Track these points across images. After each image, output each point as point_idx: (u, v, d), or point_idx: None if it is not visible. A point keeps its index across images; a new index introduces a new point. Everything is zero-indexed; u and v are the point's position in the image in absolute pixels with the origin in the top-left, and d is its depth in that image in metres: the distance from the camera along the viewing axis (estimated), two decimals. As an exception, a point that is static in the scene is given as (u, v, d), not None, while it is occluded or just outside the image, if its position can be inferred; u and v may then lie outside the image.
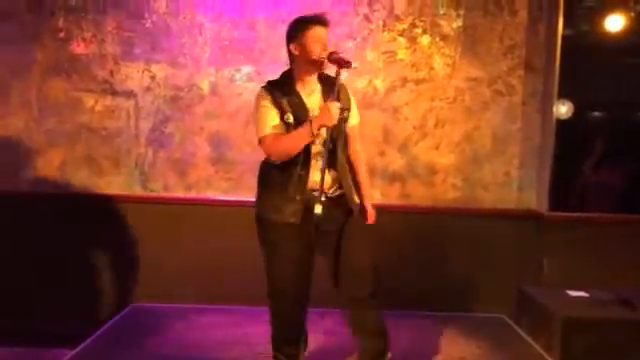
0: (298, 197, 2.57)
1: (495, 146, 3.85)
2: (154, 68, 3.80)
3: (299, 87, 2.65)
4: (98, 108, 3.81)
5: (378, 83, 3.81)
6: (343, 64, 2.49)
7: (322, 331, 3.32)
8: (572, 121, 3.75)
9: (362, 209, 2.81)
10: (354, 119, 2.79)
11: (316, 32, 2.56)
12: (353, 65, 2.50)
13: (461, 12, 3.81)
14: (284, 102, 2.58)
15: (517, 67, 3.83)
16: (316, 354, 2.96)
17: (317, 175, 2.54)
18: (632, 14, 3.95)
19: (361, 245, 2.68)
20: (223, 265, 3.74)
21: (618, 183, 3.90)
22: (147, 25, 3.78)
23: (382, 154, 3.83)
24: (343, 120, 2.64)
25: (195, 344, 3.20)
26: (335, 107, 2.46)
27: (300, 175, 2.57)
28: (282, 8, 3.77)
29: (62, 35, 3.78)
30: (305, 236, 2.57)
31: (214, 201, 3.82)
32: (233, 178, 3.84)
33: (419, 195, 3.84)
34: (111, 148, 3.83)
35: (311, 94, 2.65)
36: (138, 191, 3.83)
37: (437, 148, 3.86)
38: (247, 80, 3.81)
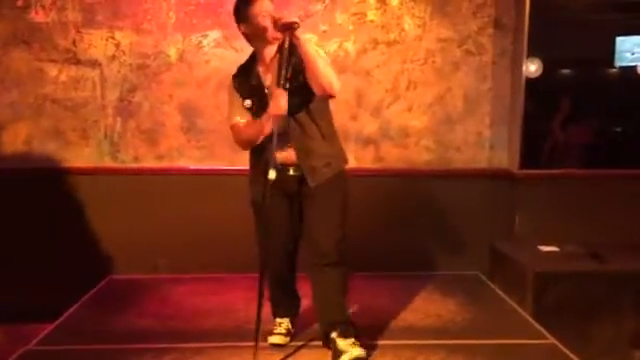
0: (261, 178, 2.51)
1: (466, 106, 3.86)
2: (118, 35, 3.70)
3: (260, 66, 2.57)
4: (62, 78, 3.70)
5: (349, 46, 3.77)
6: (289, 27, 2.37)
7: (303, 295, 3.34)
8: (541, 79, 3.80)
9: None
10: None
11: (262, 6, 2.47)
12: (296, 22, 2.35)
13: (430, -28, 3.77)
14: (245, 87, 2.57)
15: (487, 26, 3.83)
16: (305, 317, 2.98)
17: (282, 151, 2.52)
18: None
19: (322, 215, 2.59)
20: (198, 234, 3.71)
21: (586, 139, 3.98)
22: (109, -9, 3.67)
23: (355, 118, 3.82)
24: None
25: (174, 314, 3.19)
26: (283, 96, 2.41)
27: (265, 156, 2.53)
28: (249, -30, 3.68)
29: (20, 3, 3.63)
30: (284, 205, 2.62)
31: (187, 170, 3.78)
32: (206, 146, 3.79)
33: (393, 158, 3.85)
34: (78, 119, 3.74)
35: (270, 70, 2.56)
36: (108, 162, 3.76)
37: (410, 110, 3.86)
38: (215, 46, 3.74)
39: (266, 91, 2.55)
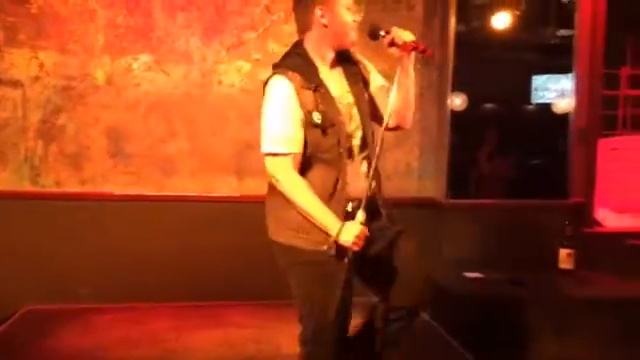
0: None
1: (397, 137, 3.95)
2: (42, 55, 3.57)
3: (321, 71, 2.03)
4: (-20, 98, 3.52)
5: (282, 74, 3.79)
6: (418, 50, 1.98)
7: (231, 324, 3.29)
8: (466, 113, 3.97)
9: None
10: (379, 80, 2.21)
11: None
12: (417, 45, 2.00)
13: (362, 7, 3.83)
14: (309, 95, 1.96)
15: (415, 61, 3.95)
16: (225, 347, 2.91)
17: (360, 181, 2.05)
18: (517, 12, 4.22)
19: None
20: (123, 262, 3.57)
21: (507, 171, 4.17)
22: (32, 10, 3.53)
23: (287, 145, 3.82)
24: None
25: (95, 345, 3.03)
26: (359, 229, 1.94)
27: (338, 184, 2.00)
28: (180, -5, 3.67)
29: (-64, 19, 3.46)
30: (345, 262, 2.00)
31: (112, 196, 3.64)
32: (133, 172, 3.68)
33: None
34: (-4, 141, 3.55)
35: (333, 78, 2.07)
36: (27, 187, 3.57)
37: (341, 139, 3.91)
38: (145, 69, 3.67)
39: (338, 105, 2.02)
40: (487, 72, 4.05)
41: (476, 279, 3.74)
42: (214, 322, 3.29)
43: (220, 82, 3.74)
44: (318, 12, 2.01)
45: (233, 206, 3.73)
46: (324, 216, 1.96)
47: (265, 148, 2.00)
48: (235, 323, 3.32)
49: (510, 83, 4.16)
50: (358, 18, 2.08)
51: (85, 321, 3.36)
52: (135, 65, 3.66)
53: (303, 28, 2.08)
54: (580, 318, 3.20)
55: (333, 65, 2.10)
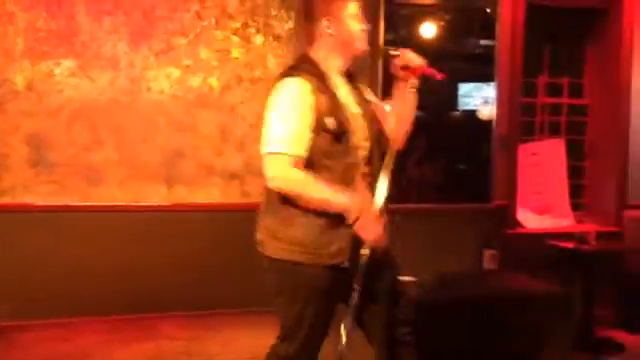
0: (344, 229, 1.92)
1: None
2: (-44, 59, 3.39)
3: (330, 79, 2.01)
4: None
5: (213, 82, 3.76)
6: (429, 74, 2.04)
7: (162, 336, 3.22)
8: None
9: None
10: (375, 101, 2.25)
11: (357, 8, 2.04)
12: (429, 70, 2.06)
13: (292, 14, 3.90)
14: (323, 99, 1.92)
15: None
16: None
17: (366, 194, 2.02)
18: (442, 23, 4.36)
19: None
20: (44, 276, 3.44)
21: (436, 176, 4.29)
22: (-55, 13, 3.36)
23: (220, 154, 3.78)
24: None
25: (18, 365, 2.91)
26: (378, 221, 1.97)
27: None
28: (106, -2, 3.58)
29: None
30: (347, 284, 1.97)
31: (34, 207, 3.49)
32: (56, 181, 3.54)
33: (259, 193, 3.84)
34: None
35: (342, 88, 2.05)
36: (-61, 199, 3.38)
37: (273, 146, 3.91)
38: (69, 75, 3.55)
39: (347, 113, 1.98)
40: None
41: (408, 282, 3.82)
42: (145, 335, 3.23)
43: (149, 88, 3.67)
44: (325, 23, 2.00)
45: (163, 215, 3.67)
46: (336, 197, 1.90)
47: (267, 148, 1.94)
48: (167, 335, 3.26)
49: (438, 91, 4.29)
50: (365, 27, 2.06)
51: (5, 340, 3.21)
52: (57, 70, 3.53)
53: (310, 40, 2.06)
54: (503, 316, 3.34)
55: (337, 78, 2.06)
